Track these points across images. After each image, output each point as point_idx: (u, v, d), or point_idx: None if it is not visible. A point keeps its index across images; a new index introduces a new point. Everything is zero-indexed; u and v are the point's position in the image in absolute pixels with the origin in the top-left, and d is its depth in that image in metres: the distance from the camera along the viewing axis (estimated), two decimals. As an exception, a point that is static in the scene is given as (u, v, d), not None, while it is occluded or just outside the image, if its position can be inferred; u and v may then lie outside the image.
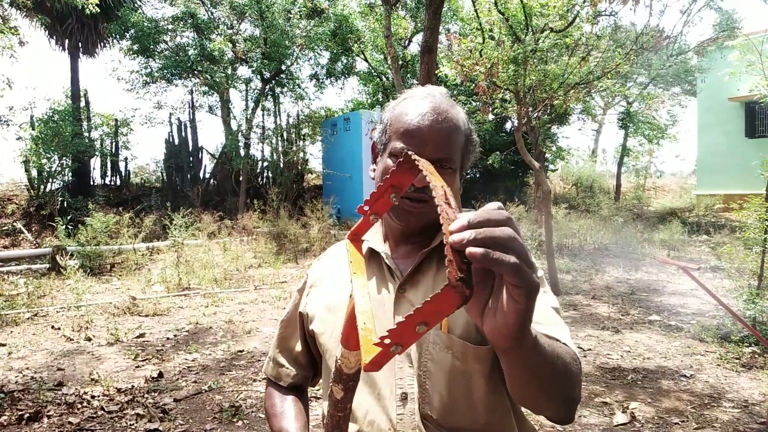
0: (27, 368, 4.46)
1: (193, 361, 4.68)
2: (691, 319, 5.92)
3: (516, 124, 8.23)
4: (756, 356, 4.53)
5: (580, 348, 4.94)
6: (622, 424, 3.32)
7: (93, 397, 3.79)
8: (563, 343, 0.88)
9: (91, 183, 15.55)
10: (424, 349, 0.97)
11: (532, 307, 0.55)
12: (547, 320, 0.94)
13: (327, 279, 1.13)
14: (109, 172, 16.25)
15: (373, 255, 1.08)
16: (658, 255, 10.34)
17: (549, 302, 1.00)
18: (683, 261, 9.29)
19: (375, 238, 1.10)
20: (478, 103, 9.04)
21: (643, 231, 12.62)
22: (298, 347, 1.19)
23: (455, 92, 13.78)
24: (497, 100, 8.41)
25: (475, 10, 7.42)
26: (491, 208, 0.56)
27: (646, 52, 8.77)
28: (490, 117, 14.50)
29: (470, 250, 0.51)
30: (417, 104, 1.01)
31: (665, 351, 4.87)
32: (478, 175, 20.63)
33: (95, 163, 15.88)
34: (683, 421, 3.35)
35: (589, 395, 3.81)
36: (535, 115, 8.20)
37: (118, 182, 16.38)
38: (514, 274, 0.52)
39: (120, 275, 8.91)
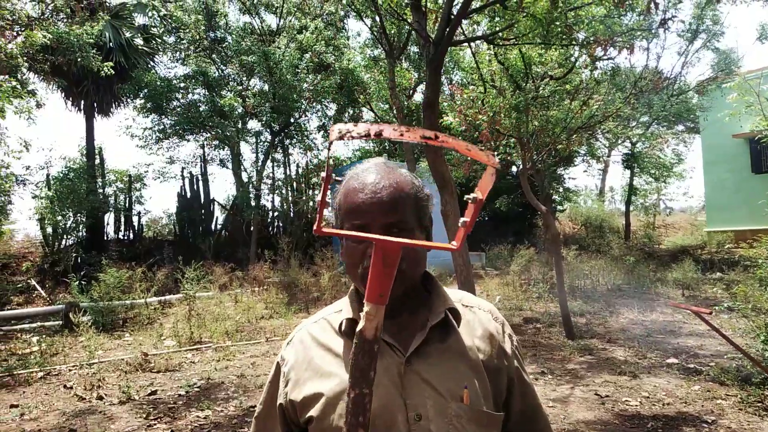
0: (39, 430, 4.44)
1: (205, 418, 4.64)
2: (710, 361, 5.80)
3: (521, 168, 8.33)
4: (778, 399, 4.42)
5: (598, 395, 4.86)
6: (643, 475, 3.24)
7: (105, 458, 3.76)
8: None
9: (105, 238, 15.77)
10: (447, 424, 0.97)
11: None
12: None
13: (309, 365, 1.07)
14: (122, 227, 16.48)
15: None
16: (672, 295, 10.21)
17: (537, 398, 1.14)
18: (698, 301, 9.17)
19: (357, 313, 1.05)
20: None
21: (655, 270, 12.49)
22: None
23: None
24: (501, 146, 8.54)
25: (476, 62, 7.64)
26: None
27: (646, 94, 8.94)
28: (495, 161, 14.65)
29: None
30: (357, 181, 1.03)
31: (685, 396, 4.76)
32: (486, 218, 20.67)
33: (109, 218, 16.16)
34: (706, 471, 3.26)
35: (608, 445, 3.73)
36: (539, 159, 8.30)
37: (132, 236, 16.57)
38: None
39: (132, 330, 8.92)
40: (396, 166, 1.09)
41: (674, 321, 8.24)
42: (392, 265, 0.76)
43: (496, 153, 9.81)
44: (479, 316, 1.11)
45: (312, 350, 1.09)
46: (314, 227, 0.77)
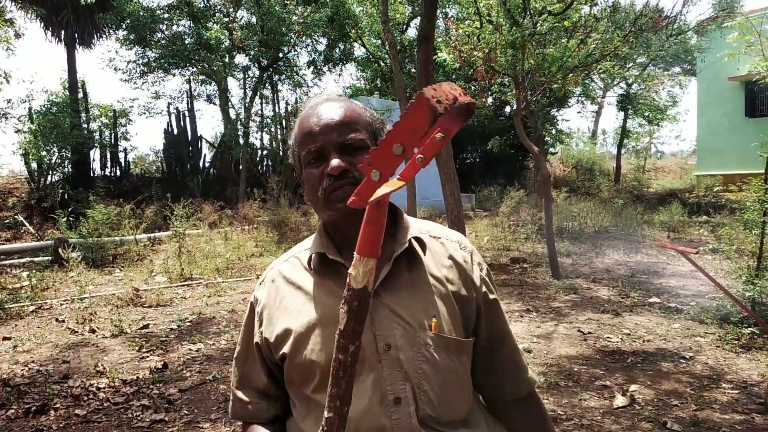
0: (32, 361, 4.51)
1: (197, 351, 4.72)
2: (690, 300, 5.95)
3: (515, 108, 8.20)
4: (755, 337, 4.56)
5: (580, 332, 4.99)
6: (622, 407, 3.36)
7: (99, 389, 3.83)
8: (529, 378, 1.15)
9: (92, 174, 15.57)
10: (416, 352, 0.98)
11: None
12: (516, 363, 1.15)
13: (281, 303, 1.09)
14: (108, 163, 16.26)
15: (329, 264, 1.04)
16: (658, 237, 10.36)
17: (506, 324, 1.16)
18: (683, 243, 9.32)
19: (325, 247, 1.06)
20: (476, 88, 9.01)
21: (643, 213, 12.63)
22: (264, 380, 1.12)
23: (453, 77, 13.71)
24: (495, 85, 8.37)
25: (472, -6, 7.36)
26: None
27: (645, 33, 8.71)
28: (489, 101, 14.45)
29: None
30: (308, 112, 1.05)
31: (665, 333, 4.90)
32: (477, 160, 20.61)
33: (95, 154, 15.91)
34: (683, 403, 3.39)
35: (589, 378, 3.85)
36: (533, 99, 8.16)
37: (118, 173, 16.39)
38: None
39: (122, 266, 8.95)
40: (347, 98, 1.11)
41: (658, 262, 8.39)
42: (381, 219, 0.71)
43: (490, 92, 9.67)
44: (447, 246, 1.12)
45: (283, 289, 1.10)
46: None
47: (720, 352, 4.37)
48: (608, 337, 4.83)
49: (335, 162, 0.96)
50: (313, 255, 1.07)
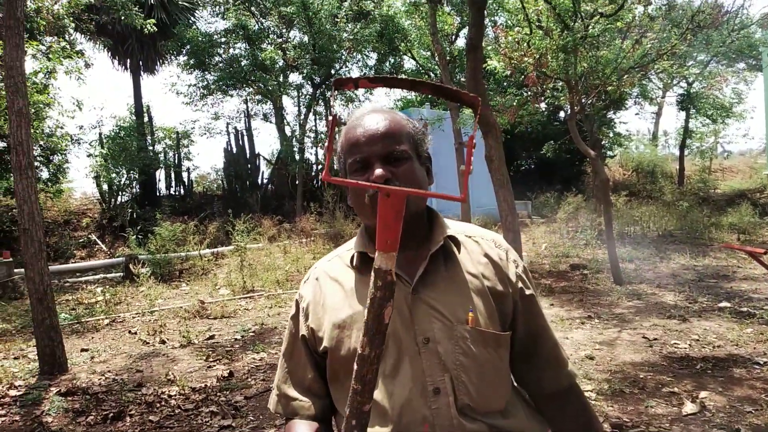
0: (109, 371, 4.78)
1: (260, 360, 4.88)
2: (764, 304, 5.65)
3: (569, 112, 8.06)
4: (838, 342, 4.29)
5: (645, 338, 4.83)
6: (691, 414, 3.24)
7: (170, 396, 4.03)
8: (569, 371, 1.19)
9: (157, 194, 16.35)
10: (454, 345, 1.04)
11: None
12: (555, 354, 1.18)
13: (324, 299, 1.15)
14: (173, 183, 17.03)
15: (369, 262, 1.07)
16: (726, 240, 9.88)
17: (544, 319, 1.20)
18: (754, 245, 8.84)
19: (367, 247, 1.12)
20: (528, 94, 8.91)
21: (710, 215, 12.06)
22: (310, 375, 1.16)
23: (504, 84, 13.61)
24: (548, 90, 8.26)
25: (521, 1, 7.33)
26: None
27: (704, 29, 8.39)
28: (542, 107, 14.22)
29: None
30: (354, 122, 1.11)
31: (736, 338, 4.68)
32: (532, 166, 20.27)
33: (160, 174, 16.71)
34: (757, 410, 3.23)
35: (656, 385, 3.73)
36: (588, 103, 8.00)
37: (182, 192, 17.13)
38: None
39: (188, 280, 9.34)
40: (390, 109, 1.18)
41: (728, 266, 8.00)
42: (399, 215, 0.80)
43: (543, 97, 9.54)
44: (482, 244, 1.18)
45: (326, 286, 1.17)
46: (322, 174, 0.84)
47: (798, 358, 4.13)
48: (675, 343, 4.66)
49: (379, 171, 1.01)
50: (356, 254, 1.14)
